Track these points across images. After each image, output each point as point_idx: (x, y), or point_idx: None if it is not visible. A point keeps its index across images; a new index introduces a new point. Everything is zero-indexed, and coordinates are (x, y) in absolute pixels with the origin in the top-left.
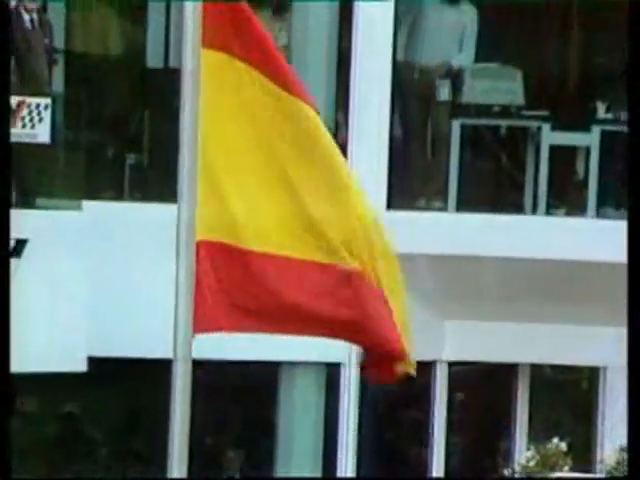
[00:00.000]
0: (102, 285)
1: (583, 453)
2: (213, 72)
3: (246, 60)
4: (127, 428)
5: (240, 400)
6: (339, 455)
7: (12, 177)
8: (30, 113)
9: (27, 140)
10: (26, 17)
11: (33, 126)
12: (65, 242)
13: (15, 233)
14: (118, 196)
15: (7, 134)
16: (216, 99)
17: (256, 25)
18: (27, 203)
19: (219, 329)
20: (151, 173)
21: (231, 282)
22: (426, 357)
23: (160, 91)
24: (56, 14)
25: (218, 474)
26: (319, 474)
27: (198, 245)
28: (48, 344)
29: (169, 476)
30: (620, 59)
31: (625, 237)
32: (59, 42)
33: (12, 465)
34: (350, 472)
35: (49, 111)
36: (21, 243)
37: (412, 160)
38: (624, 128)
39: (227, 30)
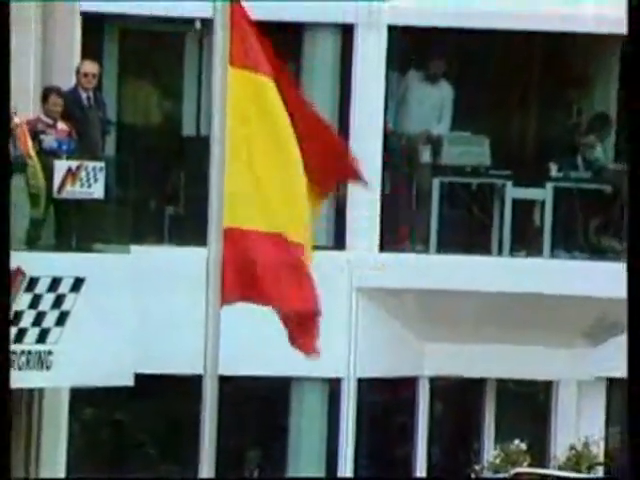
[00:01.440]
0: (146, 314)
1: (539, 452)
2: (239, 87)
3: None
4: (166, 433)
5: (258, 409)
6: (340, 455)
7: (73, 227)
8: (87, 174)
9: (85, 197)
10: (83, 95)
11: (90, 185)
12: (116, 279)
13: (75, 273)
14: (159, 241)
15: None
16: (242, 109)
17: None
18: (85, 248)
19: (232, 301)
20: (186, 222)
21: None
22: (410, 373)
23: (193, 155)
24: (108, 92)
25: (240, 470)
26: (323, 471)
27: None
28: (101, 363)
29: (200, 475)
30: (568, 130)
31: (573, 275)
32: (111, 115)
33: (70, 464)
34: (349, 469)
35: (103, 173)
36: (80, 281)
37: (400, 210)
38: (573, 185)
39: (251, 52)
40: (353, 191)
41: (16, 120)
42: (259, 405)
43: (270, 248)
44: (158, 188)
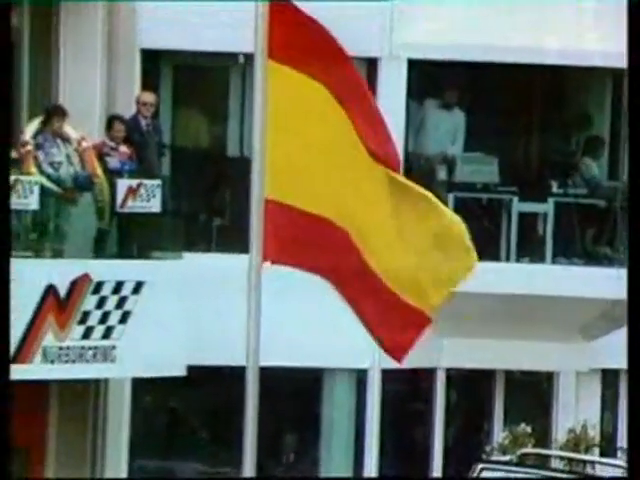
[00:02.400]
0: (197, 312)
1: (543, 434)
2: (279, 84)
3: (309, 73)
4: (215, 419)
5: (294, 397)
6: (366, 438)
7: (133, 237)
8: (146, 191)
9: (144, 211)
10: (143, 122)
11: (148, 200)
12: (171, 282)
13: (136, 277)
14: (208, 249)
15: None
16: (282, 105)
17: (320, 36)
18: (144, 255)
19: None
20: (230, 232)
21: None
22: (429, 365)
23: (237, 174)
24: (163, 119)
25: (277, 454)
26: (352, 454)
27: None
28: (158, 356)
29: (244, 456)
30: (567, 151)
31: (571, 279)
32: (166, 139)
33: (132, 447)
34: (375, 452)
35: (159, 189)
36: (140, 284)
37: None
38: (571, 200)
39: (294, 44)
40: None
41: (85, 144)
42: (295, 394)
43: (314, 224)
44: (207, 203)
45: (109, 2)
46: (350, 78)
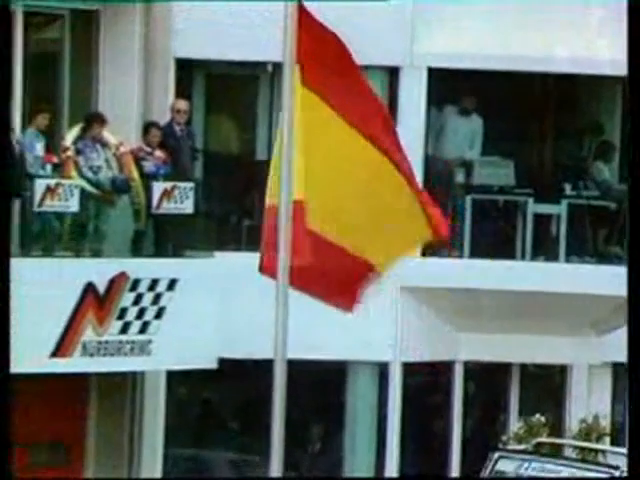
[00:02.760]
0: (227, 308)
1: (556, 424)
2: (306, 109)
3: (334, 106)
4: (245, 409)
5: (320, 389)
6: (388, 428)
7: (168, 237)
8: (180, 194)
9: (178, 212)
10: (177, 128)
11: (182, 202)
12: (203, 280)
13: (170, 275)
14: (238, 248)
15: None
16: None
17: (347, 64)
18: (178, 254)
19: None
20: (259, 232)
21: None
22: (447, 358)
23: (265, 177)
24: (196, 125)
25: (304, 442)
26: (374, 442)
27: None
28: (191, 350)
29: (272, 445)
30: (579, 156)
31: (583, 277)
32: (198, 144)
33: (167, 436)
34: (396, 440)
35: (192, 192)
36: (174, 282)
37: None
38: (584, 202)
39: (321, 71)
40: None
41: (122, 149)
42: (320, 386)
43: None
44: (237, 204)
45: (146, 2)
46: (362, 92)
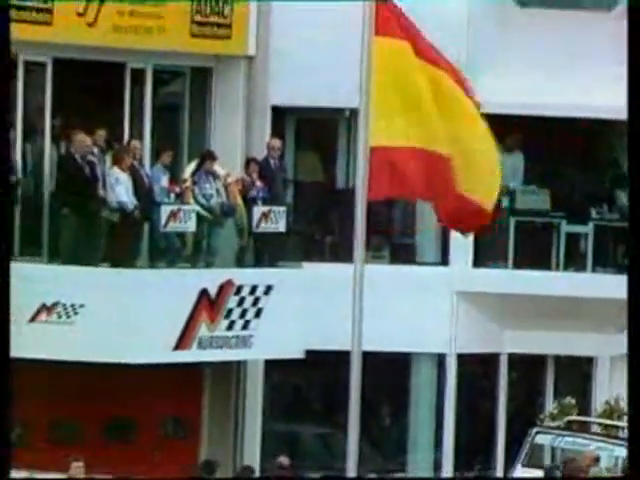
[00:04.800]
0: (313, 308)
1: (584, 406)
2: (385, 56)
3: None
4: (329, 394)
5: (388, 375)
6: (445, 409)
7: (265, 251)
8: (274, 215)
9: (273, 231)
10: (272, 162)
11: (276, 223)
12: (293, 286)
13: (267, 282)
14: (321, 259)
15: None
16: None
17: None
18: (273, 265)
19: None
20: (339, 247)
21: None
22: (494, 351)
23: (344, 202)
24: (287, 159)
25: (377, 418)
26: (434, 420)
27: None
28: (284, 342)
29: (350, 421)
30: (603, 185)
31: (607, 284)
32: (289, 175)
33: (264, 415)
34: (452, 421)
35: (284, 214)
36: (269, 287)
37: (486, 241)
38: (607, 223)
39: (395, 23)
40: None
41: (229, 180)
42: (389, 373)
43: (420, 158)
44: (320, 224)
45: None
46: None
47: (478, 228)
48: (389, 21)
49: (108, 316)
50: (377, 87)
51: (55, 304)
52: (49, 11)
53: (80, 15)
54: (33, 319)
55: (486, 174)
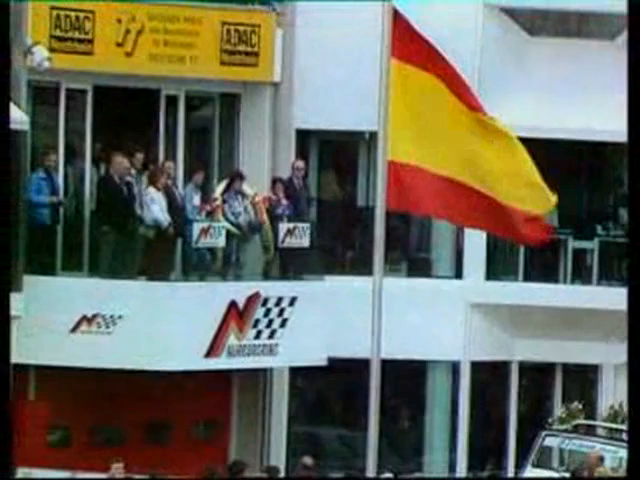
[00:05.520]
0: (334, 318)
1: (590, 410)
2: (403, 81)
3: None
4: (348, 396)
5: (406, 381)
6: (460, 413)
7: (290, 265)
8: (299, 232)
9: (297, 246)
10: (296, 182)
11: (301, 238)
12: (316, 297)
13: (291, 294)
14: (342, 272)
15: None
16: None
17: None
18: (297, 278)
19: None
20: (358, 261)
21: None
22: (506, 358)
23: (364, 219)
24: (311, 179)
25: (395, 420)
26: (449, 423)
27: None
28: (307, 350)
29: (369, 423)
30: (607, 205)
31: (611, 296)
32: (312, 193)
33: (290, 415)
34: (466, 422)
35: (308, 230)
36: (294, 299)
37: (498, 256)
38: (611, 239)
39: (414, 47)
40: (468, 243)
41: (257, 198)
42: (406, 379)
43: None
44: (341, 240)
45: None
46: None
47: (539, 237)
48: (407, 45)
49: (144, 326)
50: (394, 108)
51: (95, 315)
52: (90, 42)
53: (119, 45)
54: (75, 329)
55: (521, 186)
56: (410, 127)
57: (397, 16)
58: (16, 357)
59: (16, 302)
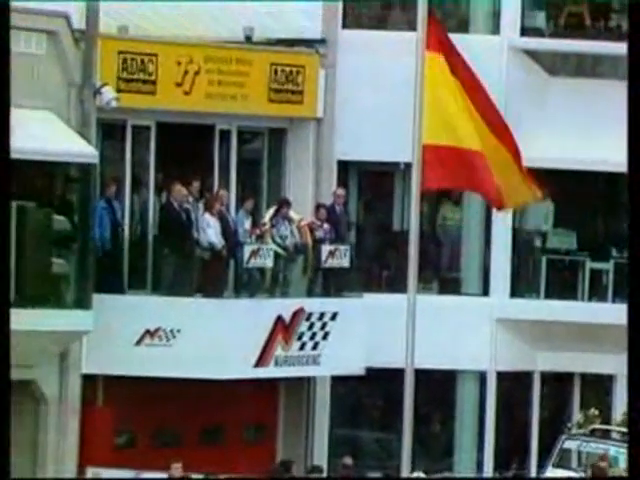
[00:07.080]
0: (372, 331)
1: (606, 416)
2: (435, 71)
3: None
4: (385, 402)
5: (437, 389)
6: (487, 420)
7: (331, 283)
8: (339, 253)
9: (338, 266)
10: (337, 208)
11: (341, 259)
12: (355, 312)
13: (333, 309)
14: (379, 290)
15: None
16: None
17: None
18: (338, 295)
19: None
20: (394, 280)
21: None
22: (529, 369)
23: (400, 242)
24: (350, 205)
25: (427, 425)
26: (477, 427)
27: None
28: (346, 360)
29: (404, 427)
30: (622, 228)
31: (624, 313)
32: (352, 218)
33: (332, 420)
34: (492, 428)
35: (348, 252)
36: (335, 314)
37: (521, 275)
38: (625, 260)
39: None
40: (494, 264)
41: (302, 223)
42: (438, 386)
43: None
44: (378, 261)
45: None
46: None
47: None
48: (442, 43)
49: (200, 339)
50: (428, 96)
51: (157, 329)
52: (153, 82)
53: (178, 85)
54: (139, 342)
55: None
56: (441, 112)
57: (433, 20)
58: (86, 367)
59: (85, 318)
